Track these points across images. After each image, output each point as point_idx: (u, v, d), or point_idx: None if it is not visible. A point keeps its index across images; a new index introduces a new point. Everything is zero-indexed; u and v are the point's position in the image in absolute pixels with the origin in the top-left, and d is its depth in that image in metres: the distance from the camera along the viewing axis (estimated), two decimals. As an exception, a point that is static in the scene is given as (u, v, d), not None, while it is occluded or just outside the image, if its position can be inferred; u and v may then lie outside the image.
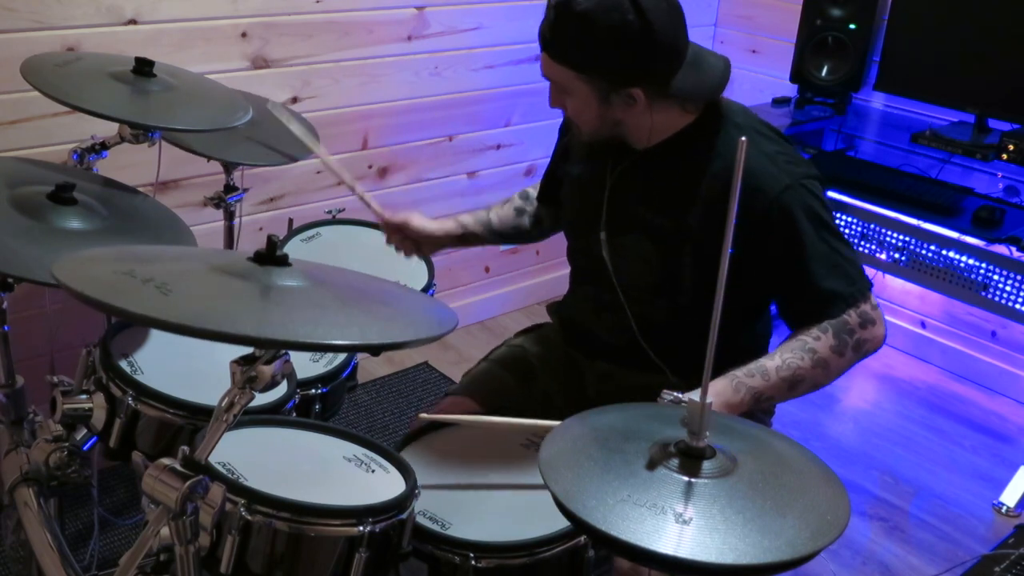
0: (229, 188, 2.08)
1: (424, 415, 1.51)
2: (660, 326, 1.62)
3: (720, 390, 1.44)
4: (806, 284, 1.49)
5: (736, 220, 0.96)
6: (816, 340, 1.48)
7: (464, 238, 1.84)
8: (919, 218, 2.76)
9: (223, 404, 1.06)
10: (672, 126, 1.54)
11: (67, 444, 1.49)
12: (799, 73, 3.07)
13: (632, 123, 1.52)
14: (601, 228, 1.63)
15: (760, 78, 3.28)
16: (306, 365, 1.65)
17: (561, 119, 1.84)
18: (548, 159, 1.90)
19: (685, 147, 1.54)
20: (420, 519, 1.31)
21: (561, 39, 1.45)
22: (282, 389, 1.48)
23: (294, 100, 2.52)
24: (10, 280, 1.51)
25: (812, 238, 1.48)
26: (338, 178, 1.84)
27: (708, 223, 1.51)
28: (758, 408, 1.50)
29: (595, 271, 1.66)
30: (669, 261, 1.56)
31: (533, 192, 1.91)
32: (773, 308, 1.70)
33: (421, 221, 1.78)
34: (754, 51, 3.34)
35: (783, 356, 1.48)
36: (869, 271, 3.54)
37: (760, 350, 1.70)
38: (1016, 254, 2.59)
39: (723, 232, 0.95)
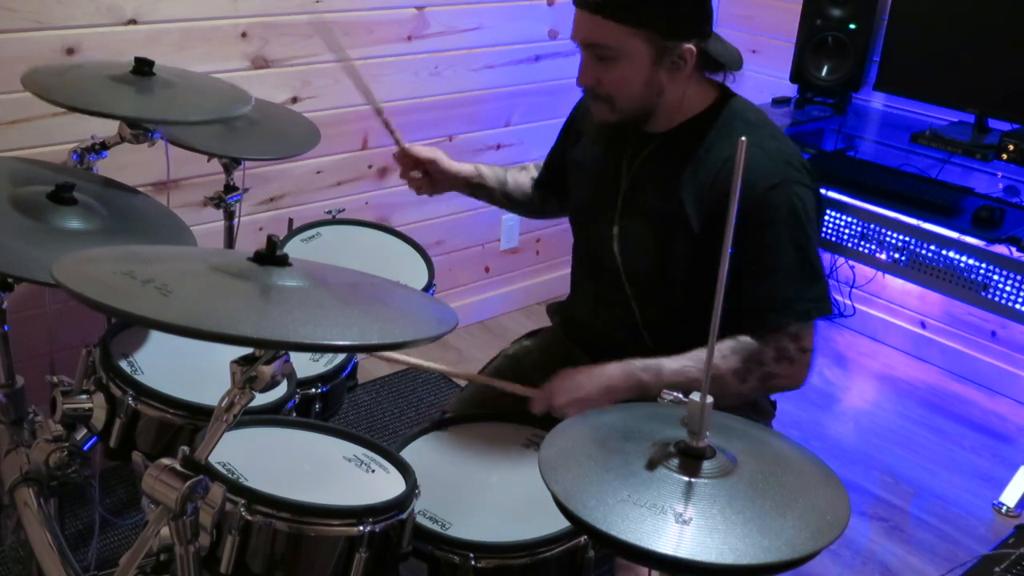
0: (229, 188, 2.07)
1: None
2: (661, 318, 1.62)
3: (612, 372, 1.45)
4: (755, 280, 1.46)
5: (721, 210, 0.96)
6: (723, 358, 1.46)
7: (476, 186, 1.86)
8: (919, 218, 2.76)
9: (223, 404, 1.06)
10: (694, 106, 1.55)
11: (67, 444, 1.49)
12: (799, 73, 3.07)
13: (669, 95, 1.52)
14: (615, 221, 1.62)
15: (760, 78, 3.28)
16: (306, 365, 1.65)
17: (563, 119, 1.85)
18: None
19: (696, 134, 1.55)
20: (420, 519, 1.32)
21: None
22: (282, 389, 1.48)
23: (294, 100, 2.52)
24: (10, 280, 1.51)
25: (781, 240, 1.46)
26: (363, 92, 1.82)
27: (698, 208, 1.50)
28: (638, 399, 1.46)
29: (601, 262, 1.65)
30: (665, 247, 1.56)
31: None
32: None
33: (444, 161, 1.82)
34: (754, 51, 3.34)
35: (683, 362, 1.46)
36: (869, 271, 3.50)
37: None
38: (1016, 254, 2.59)
39: (711, 219, 0.95)
